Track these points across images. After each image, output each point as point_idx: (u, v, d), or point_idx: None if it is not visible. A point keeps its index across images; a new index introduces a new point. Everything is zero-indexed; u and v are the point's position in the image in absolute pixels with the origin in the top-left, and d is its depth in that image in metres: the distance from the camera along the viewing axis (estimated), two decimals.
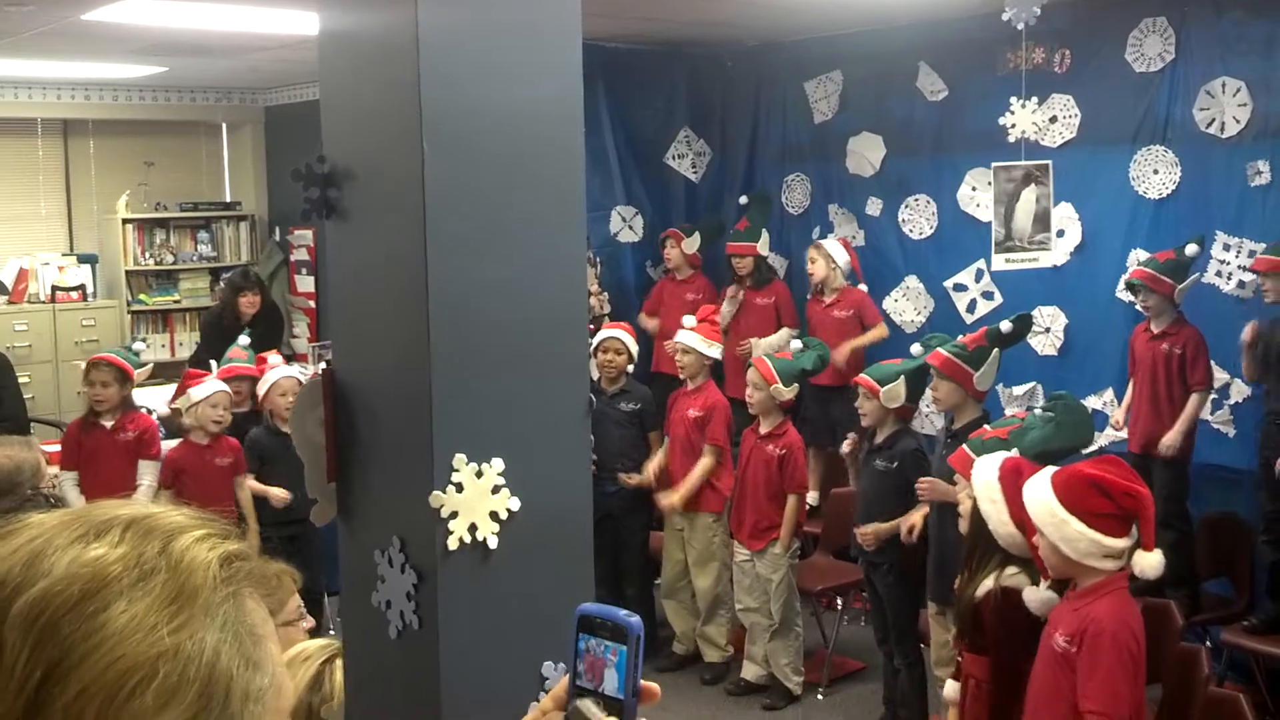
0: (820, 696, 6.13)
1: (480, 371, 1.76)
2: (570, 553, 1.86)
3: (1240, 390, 5.98)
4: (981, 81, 6.86)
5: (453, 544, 1.72)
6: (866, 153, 7.59)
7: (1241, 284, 5.92)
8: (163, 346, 9.92)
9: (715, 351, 6.28)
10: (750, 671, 6.16)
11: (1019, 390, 6.77)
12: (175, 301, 10.13)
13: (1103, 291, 6.49)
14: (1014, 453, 4.22)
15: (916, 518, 5.29)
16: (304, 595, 2.82)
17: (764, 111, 8.20)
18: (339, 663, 2.10)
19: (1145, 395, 5.89)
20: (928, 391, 5.53)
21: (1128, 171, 6.34)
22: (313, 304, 10.01)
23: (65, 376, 9.05)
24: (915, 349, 5.55)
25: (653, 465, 6.38)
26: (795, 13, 6.78)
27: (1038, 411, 4.78)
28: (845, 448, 6.69)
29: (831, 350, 6.42)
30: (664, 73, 8.25)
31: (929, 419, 6.91)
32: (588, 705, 1.17)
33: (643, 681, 1.16)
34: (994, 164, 6.13)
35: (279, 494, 5.89)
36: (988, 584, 3.87)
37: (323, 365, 2.00)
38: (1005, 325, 5.42)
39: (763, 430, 5.96)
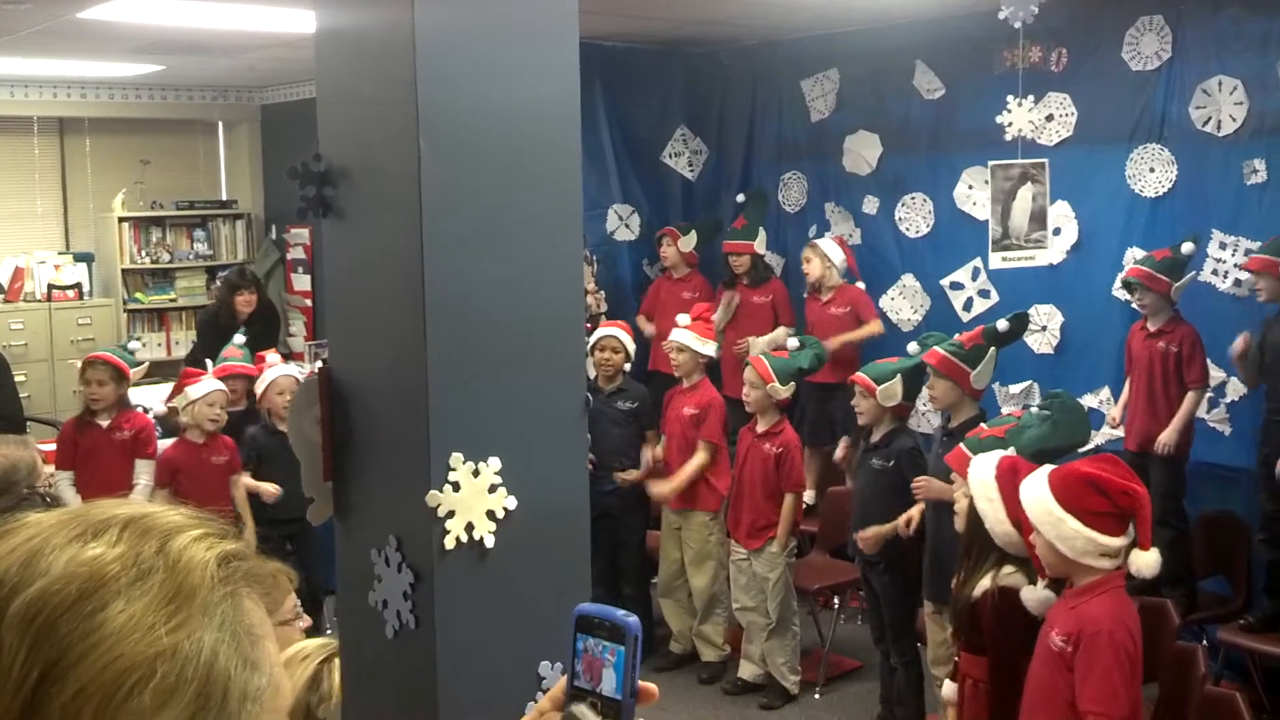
0: (817, 695, 6.13)
1: (477, 370, 1.76)
2: (567, 552, 1.86)
3: (1237, 389, 5.99)
4: (978, 80, 6.87)
5: (449, 543, 1.72)
6: (863, 151, 7.59)
7: (1238, 282, 5.92)
8: (159, 345, 9.91)
9: (710, 349, 6.28)
10: (747, 670, 6.16)
11: (1015, 389, 6.78)
12: (171, 300, 10.13)
13: (1099, 290, 6.49)
14: (1011, 451, 4.23)
15: (914, 512, 5.29)
16: (303, 595, 2.82)
17: (760, 110, 8.20)
18: (337, 662, 2.10)
19: (1142, 393, 5.90)
20: (924, 390, 5.53)
21: (1124, 170, 6.35)
22: (309, 303, 10.01)
23: (61, 375, 9.04)
24: (912, 347, 5.55)
25: (649, 454, 6.39)
26: (793, 11, 6.78)
27: (1034, 410, 4.78)
28: (839, 454, 6.71)
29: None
30: (661, 71, 8.25)
31: (925, 417, 6.91)
32: (583, 710, 1.17)
33: (641, 682, 1.16)
34: (991, 162, 6.14)
35: (269, 489, 5.90)
36: (985, 583, 3.87)
37: (319, 364, 1.99)
38: (1002, 324, 5.42)
39: (760, 429, 5.96)
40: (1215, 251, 6.05)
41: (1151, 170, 6.27)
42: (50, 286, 9.44)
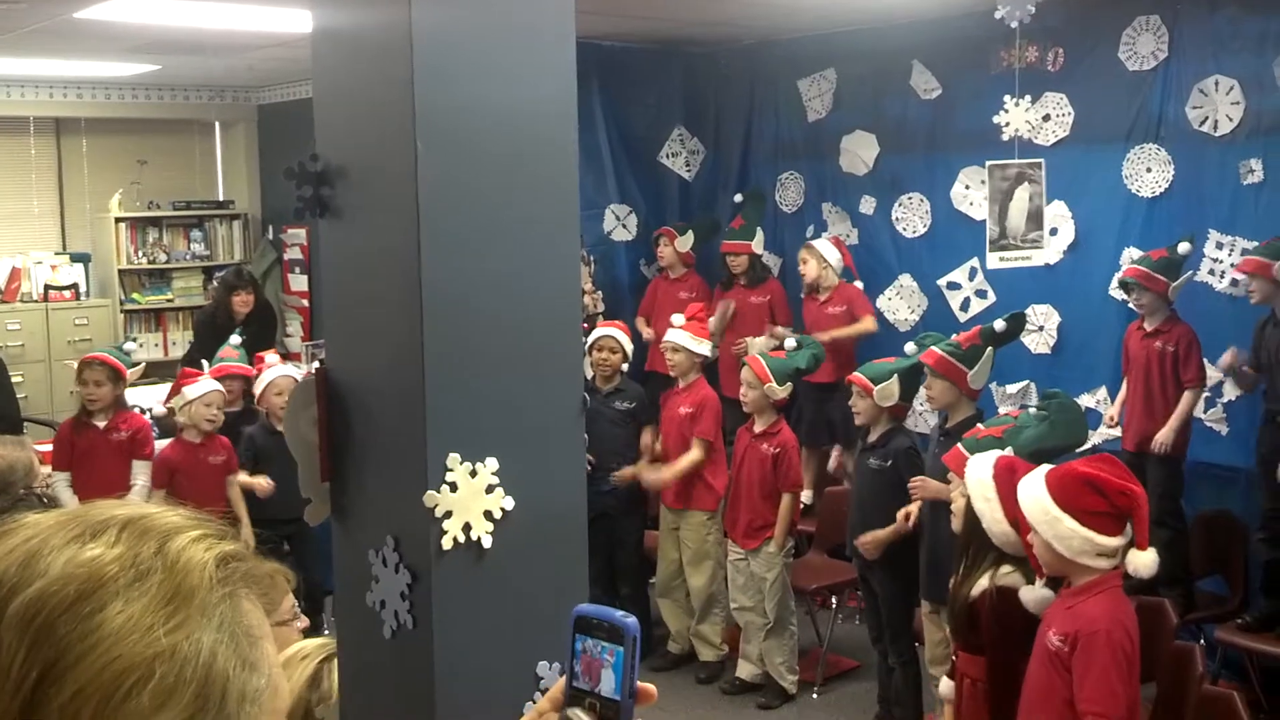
0: (815, 695, 6.13)
1: (475, 370, 1.76)
2: (565, 552, 1.86)
3: (1233, 388, 5.99)
4: (975, 80, 6.87)
5: (447, 543, 1.72)
6: (860, 151, 7.59)
7: (1235, 282, 5.93)
8: (156, 346, 9.91)
9: (704, 349, 6.28)
10: (745, 670, 6.16)
11: (1013, 389, 6.78)
12: (168, 301, 10.12)
13: (1096, 290, 6.50)
14: (1008, 451, 4.23)
15: (912, 507, 5.28)
16: (303, 595, 2.82)
17: (758, 109, 8.20)
18: (337, 661, 2.10)
19: (1139, 393, 5.90)
20: (922, 390, 5.53)
21: (1121, 170, 6.35)
22: (306, 303, 10.01)
23: (58, 376, 9.04)
24: (909, 347, 5.55)
25: (646, 438, 6.38)
26: (792, 11, 6.78)
27: (1031, 410, 4.78)
28: (832, 464, 6.72)
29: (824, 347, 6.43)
30: (658, 70, 8.25)
31: (923, 417, 6.91)
32: (578, 715, 1.17)
33: (640, 682, 1.15)
34: (988, 162, 6.14)
35: (262, 483, 5.90)
36: (983, 583, 3.88)
37: (316, 364, 1.99)
38: (999, 324, 5.43)
39: (757, 429, 5.96)
40: (1212, 251, 6.06)
41: (1148, 170, 6.28)
42: (47, 287, 9.44)
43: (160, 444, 6.05)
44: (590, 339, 6.33)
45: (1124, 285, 6.03)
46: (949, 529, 4.50)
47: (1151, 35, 6.22)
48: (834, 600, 6.68)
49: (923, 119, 7.26)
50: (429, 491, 1.71)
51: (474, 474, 1.73)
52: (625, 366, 6.42)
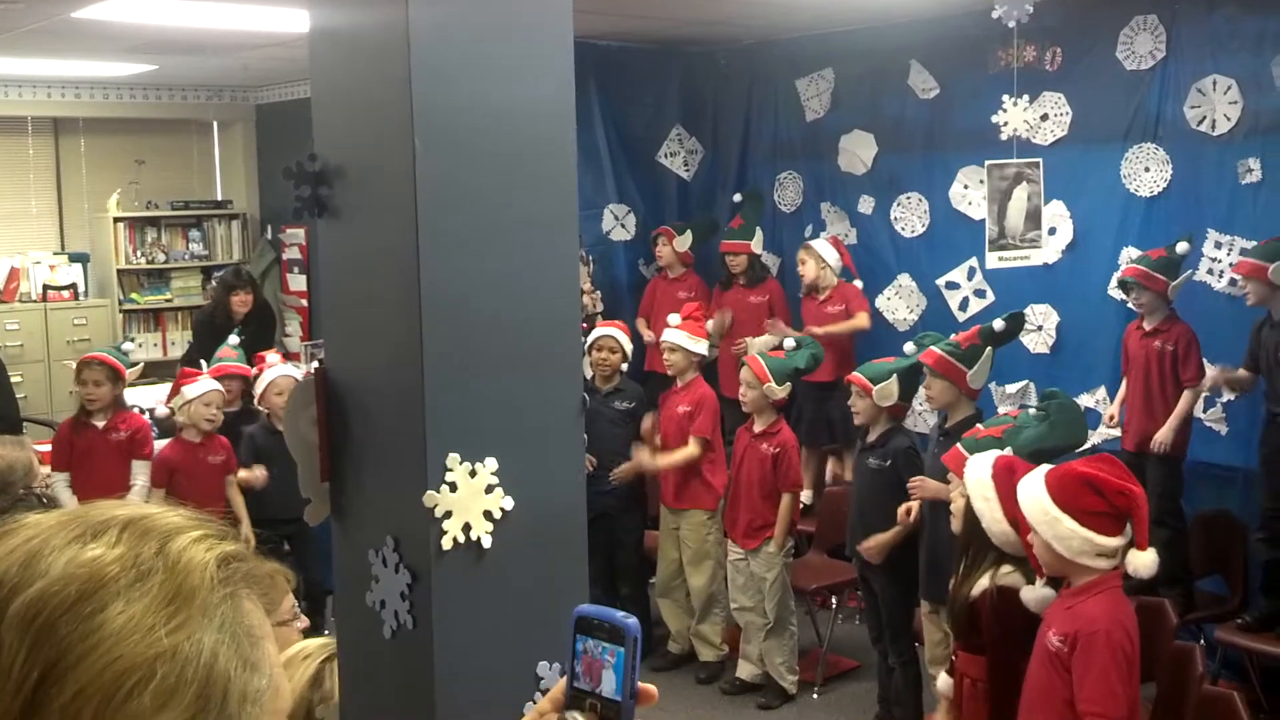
0: (815, 695, 6.13)
1: (474, 370, 1.75)
2: (564, 552, 1.86)
3: (1230, 393, 5.99)
4: (973, 79, 6.87)
5: (447, 544, 1.72)
6: (858, 151, 7.59)
7: (1233, 281, 5.93)
8: (154, 345, 9.91)
9: (701, 348, 6.27)
10: (745, 670, 6.16)
11: (1012, 388, 6.78)
12: (167, 300, 10.12)
13: (1095, 289, 6.50)
14: (1007, 451, 4.23)
15: (912, 504, 5.28)
16: (304, 595, 2.82)
17: (756, 109, 8.20)
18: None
19: (1139, 393, 5.90)
20: (921, 390, 5.53)
21: (1119, 169, 6.35)
22: (305, 303, 10.00)
23: (57, 376, 9.03)
24: (908, 347, 5.55)
25: (646, 423, 6.38)
26: (790, 11, 6.78)
27: (1031, 410, 4.78)
28: (829, 477, 6.73)
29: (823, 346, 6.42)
30: (656, 70, 8.25)
31: (922, 417, 6.91)
32: (579, 716, 1.17)
33: (640, 683, 1.15)
34: (986, 162, 6.14)
35: (258, 476, 5.90)
36: (983, 583, 3.88)
37: (315, 364, 1.99)
38: (998, 323, 5.43)
39: (757, 429, 5.95)
40: (1210, 251, 6.06)
41: (1146, 170, 6.28)
42: (45, 287, 9.43)
43: (160, 444, 6.05)
44: (590, 339, 6.33)
45: (1123, 285, 6.03)
46: (949, 529, 4.50)
47: (1149, 35, 6.22)
48: (834, 600, 6.68)
49: (921, 119, 7.26)
50: (429, 491, 1.71)
51: (474, 474, 1.73)
52: (625, 366, 6.42)
